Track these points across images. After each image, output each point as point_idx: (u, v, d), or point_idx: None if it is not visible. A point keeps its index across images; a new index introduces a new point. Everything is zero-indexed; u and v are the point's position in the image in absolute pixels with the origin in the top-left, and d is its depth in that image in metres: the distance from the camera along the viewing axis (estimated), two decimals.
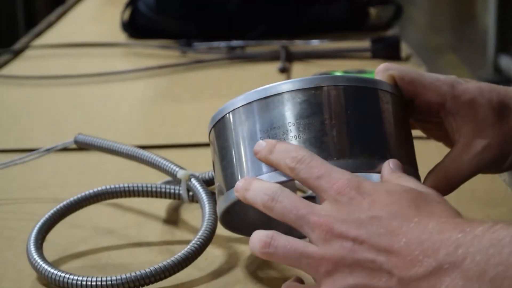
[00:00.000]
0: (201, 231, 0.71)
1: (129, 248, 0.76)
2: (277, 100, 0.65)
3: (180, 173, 0.78)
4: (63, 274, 0.67)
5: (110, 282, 0.66)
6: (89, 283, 0.67)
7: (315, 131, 0.63)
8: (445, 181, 0.68)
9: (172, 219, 0.82)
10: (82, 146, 0.87)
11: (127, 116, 1.18)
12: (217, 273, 0.71)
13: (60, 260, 0.73)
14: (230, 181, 0.66)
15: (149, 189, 0.79)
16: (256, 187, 0.62)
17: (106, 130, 1.09)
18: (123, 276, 0.67)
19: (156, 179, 0.84)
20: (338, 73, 1.19)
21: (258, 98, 0.65)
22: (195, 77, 1.34)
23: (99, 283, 0.67)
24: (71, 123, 1.14)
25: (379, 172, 0.63)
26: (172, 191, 0.79)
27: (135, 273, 0.67)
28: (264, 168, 0.64)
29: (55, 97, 1.27)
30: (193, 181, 0.78)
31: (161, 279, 0.68)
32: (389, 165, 0.62)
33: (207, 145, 1.02)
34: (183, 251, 0.69)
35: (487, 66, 3.71)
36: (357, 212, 0.58)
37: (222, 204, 0.67)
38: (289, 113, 0.64)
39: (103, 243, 0.77)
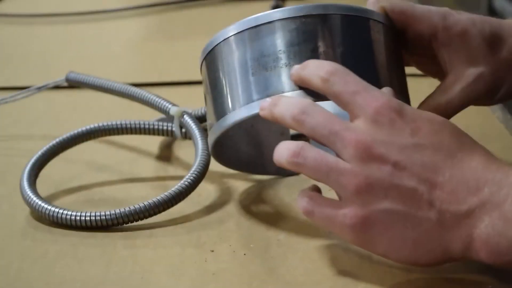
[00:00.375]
0: (194, 167, 0.71)
1: (122, 184, 0.76)
2: (267, 29, 0.64)
3: (173, 110, 0.78)
4: (56, 209, 0.67)
5: (104, 217, 0.67)
6: (83, 218, 0.67)
7: (305, 58, 0.63)
8: (436, 112, 0.66)
9: (165, 155, 0.82)
10: (73, 84, 0.86)
11: (119, 54, 1.17)
12: (211, 208, 0.71)
13: (53, 196, 0.73)
14: (220, 110, 0.65)
15: (142, 126, 0.78)
16: (286, 102, 0.59)
17: (97, 69, 1.07)
18: (117, 210, 0.67)
19: (148, 117, 0.84)
20: None
21: (249, 27, 0.65)
22: (187, 16, 1.33)
23: (93, 218, 0.67)
24: (63, 61, 1.13)
25: None
26: (165, 128, 0.78)
27: (129, 207, 0.67)
28: (255, 95, 0.63)
29: (46, 35, 1.25)
30: (186, 117, 0.77)
31: (154, 213, 0.68)
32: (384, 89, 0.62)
33: (200, 82, 1.03)
34: (176, 186, 0.69)
35: (482, 7, 3.69)
36: (399, 136, 0.56)
37: (213, 134, 0.67)
38: (279, 40, 0.63)
39: (96, 178, 0.77)
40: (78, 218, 0.67)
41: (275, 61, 0.63)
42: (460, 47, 0.67)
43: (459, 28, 0.67)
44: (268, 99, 0.61)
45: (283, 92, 0.62)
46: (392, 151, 0.56)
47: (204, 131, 0.75)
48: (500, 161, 0.56)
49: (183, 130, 0.78)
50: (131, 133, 0.78)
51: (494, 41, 0.68)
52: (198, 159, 0.72)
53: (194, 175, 0.71)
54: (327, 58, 0.63)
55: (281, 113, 0.59)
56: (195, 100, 0.86)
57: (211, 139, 0.68)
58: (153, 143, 0.83)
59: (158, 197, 0.68)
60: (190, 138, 0.77)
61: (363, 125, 0.57)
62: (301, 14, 0.64)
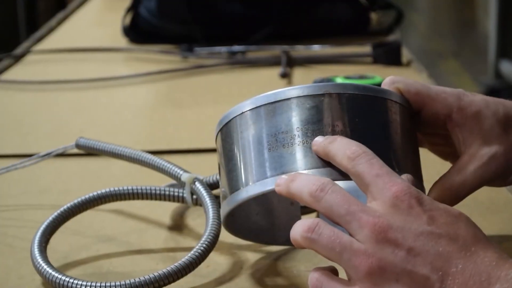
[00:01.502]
0: (204, 237, 0.71)
1: (130, 255, 0.75)
2: (285, 105, 0.64)
3: (184, 176, 0.78)
4: (67, 279, 0.67)
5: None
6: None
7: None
8: (450, 192, 0.68)
9: (176, 224, 0.82)
10: (83, 149, 0.87)
11: (129, 121, 1.17)
12: (220, 281, 0.70)
13: (61, 268, 0.72)
14: (234, 184, 0.66)
15: (153, 191, 0.78)
16: (304, 178, 0.60)
17: (107, 135, 1.07)
18: (126, 282, 0.66)
19: (159, 183, 0.84)
20: (339, 79, 1.18)
21: (266, 103, 0.65)
22: (196, 82, 1.34)
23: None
24: (73, 128, 1.13)
25: None
26: (176, 194, 0.78)
27: (138, 279, 0.66)
28: (269, 171, 0.63)
29: (56, 102, 1.26)
30: (197, 184, 0.77)
31: (162, 285, 0.67)
32: (405, 176, 0.62)
33: (209, 150, 1.04)
34: (184, 258, 0.69)
35: (488, 71, 3.71)
36: (415, 223, 0.57)
37: (226, 207, 0.67)
38: (296, 118, 0.64)
39: (104, 250, 0.76)
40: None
41: (292, 138, 0.63)
42: (474, 127, 0.68)
43: (473, 109, 0.68)
44: (284, 176, 0.62)
45: (297, 170, 0.63)
46: (407, 237, 0.56)
47: (216, 199, 0.75)
48: None
49: (194, 196, 0.78)
50: (142, 198, 0.78)
51: (507, 122, 0.69)
52: (208, 229, 0.72)
53: (203, 246, 0.70)
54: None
55: (299, 189, 0.60)
56: (203, 168, 0.86)
57: (224, 211, 0.68)
58: (163, 211, 0.83)
59: (166, 269, 0.67)
60: (201, 205, 0.77)
61: (381, 208, 0.58)
62: (320, 92, 0.65)
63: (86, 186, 0.93)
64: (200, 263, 0.69)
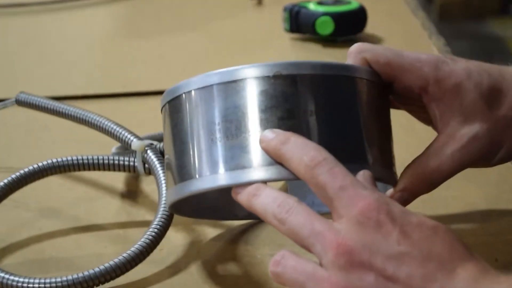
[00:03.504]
0: (156, 220, 0.63)
1: (76, 235, 0.68)
2: (234, 88, 0.56)
3: (135, 144, 0.70)
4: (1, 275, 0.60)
5: (54, 285, 0.59)
6: (31, 285, 0.59)
7: (273, 127, 0.55)
8: (423, 179, 0.59)
9: (129, 191, 0.74)
10: (24, 106, 0.78)
11: (82, 57, 1.07)
12: (173, 269, 0.63)
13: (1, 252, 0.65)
14: (185, 171, 0.57)
15: (101, 161, 0.70)
16: (267, 195, 0.53)
17: (56, 76, 0.99)
18: (69, 277, 0.59)
19: (110, 145, 0.76)
20: (312, 4, 1.08)
21: (216, 83, 0.57)
22: (159, 5, 1.23)
23: (42, 285, 0.59)
24: (19, 66, 1.04)
25: None
26: (126, 163, 0.70)
27: (82, 274, 0.59)
28: (221, 164, 0.55)
29: (3, 29, 1.16)
30: (150, 153, 0.69)
31: (110, 279, 0.60)
32: (362, 178, 0.54)
33: None
34: (134, 246, 0.61)
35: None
36: (385, 243, 0.49)
37: (173, 195, 0.59)
38: (246, 104, 0.55)
39: (48, 227, 0.69)
40: (25, 285, 0.59)
41: (243, 127, 0.55)
42: (453, 102, 0.59)
43: (452, 81, 0.59)
44: (248, 189, 0.54)
45: (250, 166, 0.55)
46: (376, 259, 0.49)
47: None
48: (494, 272, 0.49)
49: (147, 165, 0.70)
50: (89, 169, 0.70)
51: (492, 95, 0.59)
52: (161, 209, 0.64)
53: (155, 231, 0.63)
54: (298, 129, 0.54)
55: (262, 207, 0.53)
56: None
57: (170, 199, 0.60)
58: (116, 176, 0.75)
59: (115, 260, 0.60)
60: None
61: (346, 226, 0.50)
62: (268, 74, 0.55)
63: (31, 143, 0.85)
64: (152, 250, 0.62)
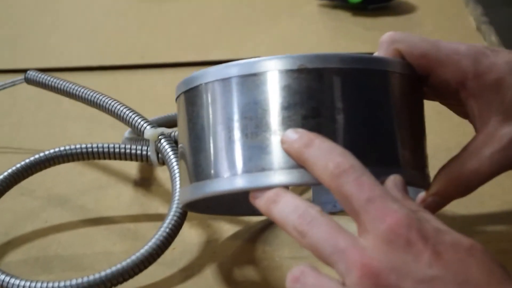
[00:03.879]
0: (168, 217, 0.59)
1: (84, 229, 0.64)
2: (252, 82, 0.51)
3: (148, 133, 0.65)
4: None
5: None
6: None
7: (295, 127, 0.50)
8: (459, 183, 0.54)
9: (143, 179, 0.70)
10: (33, 85, 0.74)
11: (98, 24, 1.01)
12: (186, 272, 0.59)
13: (2, 248, 0.61)
14: (201, 170, 0.53)
15: (112, 150, 0.66)
16: (287, 203, 0.48)
17: (71, 46, 0.94)
18: (73, 282, 0.55)
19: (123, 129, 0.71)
20: None
21: (230, 76, 0.52)
22: None
23: None
24: (33, 34, 0.99)
25: None
26: (139, 152, 0.66)
27: (87, 278, 0.55)
28: (239, 165, 0.51)
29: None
30: (163, 142, 0.65)
31: (117, 283, 0.56)
32: (392, 183, 0.49)
33: (194, 64, 0.90)
34: (145, 247, 0.57)
35: None
36: (416, 264, 0.44)
37: (188, 194, 0.54)
38: (265, 101, 0.50)
39: (54, 219, 0.65)
40: None
41: (263, 125, 0.50)
42: (493, 99, 0.54)
43: (493, 75, 0.54)
44: (267, 194, 0.49)
45: (271, 169, 0.50)
46: (405, 282, 0.43)
47: None
48: None
49: (161, 155, 0.65)
50: (99, 158, 0.65)
51: None
52: (174, 207, 0.60)
53: (167, 230, 0.58)
54: (323, 128, 0.49)
55: (282, 217, 0.48)
56: None
57: (183, 198, 0.55)
58: (130, 163, 0.70)
59: (122, 263, 0.56)
60: None
61: (373, 243, 0.45)
62: (292, 67, 0.50)
63: (41, 120, 0.80)
64: (162, 252, 0.58)
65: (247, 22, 0.99)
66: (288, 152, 0.49)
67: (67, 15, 1.04)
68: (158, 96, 0.83)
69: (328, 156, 0.47)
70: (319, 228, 0.46)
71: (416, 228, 0.45)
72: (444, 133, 0.75)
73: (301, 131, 0.49)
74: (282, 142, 0.50)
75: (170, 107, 0.76)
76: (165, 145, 0.64)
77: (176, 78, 0.85)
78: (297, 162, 0.49)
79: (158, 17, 1.01)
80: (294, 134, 0.49)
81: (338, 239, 0.45)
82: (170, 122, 0.75)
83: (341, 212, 0.63)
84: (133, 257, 0.57)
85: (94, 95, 0.70)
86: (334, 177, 0.47)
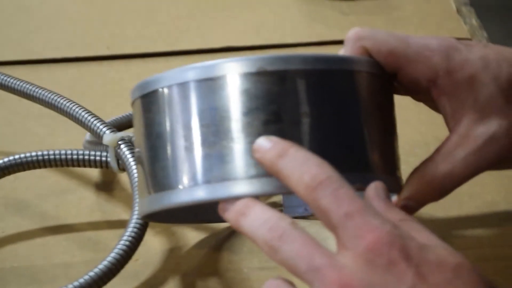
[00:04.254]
0: (129, 228, 0.56)
1: (42, 238, 0.61)
2: (209, 87, 0.48)
3: (107, 138, 0.62)
4: None
5: None
6: None
7: (256, 134, 0.47)
8: (433, 185, 0.52)
9: (105, 184, 0.67)
10: None
11: (63, 12, 0.96)
12: (148, 285, 0.56)
13: None
14: (156, 182, 0.50)
15: (69, 157, 0.62)
16: (257, 216, 0.45)
17: (35, 34, 0.90)
18: None
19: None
20: None
21: (187, 80, 0.49)
22: None
23: None
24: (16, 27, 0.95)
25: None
26: (98, 158, 0.62)
27: None
28: (200, 175, 0.48)
29: None
30: (123, 148, 0.61)
31: None
32: (374, 192, 0.46)
33: (162, 55, 0.86)
34: (105, 260, 0.54)
35: None
36: (397, 286, 0.41)
37: (147, 206, 0.51)
38: (223, 106, 0.48)
39: (12, 227, 0.61)
40: None
41: (217, 134, 0.47)
42: (467, 97, 0.51)
43: (466, 72, 0.51)
44: (236, 206, 0.46)
45: (232, 179, 0.47)
46: None
47: None
48: None
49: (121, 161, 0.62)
50: (56, 165, 0.62)
51: None
52: (134, 217, 0.56)
53: (127, 243, 0.55)
54: (286, 135, 0.46)
55: (252, 231, 0.45)
56: None
57: (142, 210, 0.52)
58: None
59: (79, 281, 0.53)
60: None
61: (351, 261, 0.42)
62: (251, 70, 0.47)
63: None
64: (125, 264, 0.55)
65: (218, 7, 0.95)
66: (260, 162, 0.46)
67: (28, 4, 1.00)
68: (124, 90, 0.79)
69: (304, 167, 0.44)
70: (292, 243, 0.43)
71: (398, 246, 0.42)
72: (422, 126, 0.72)
73: (275, 139, 0.46)
74: (254, 151, 0.47)
75: None
76: (125, 151, 0.61)
77: (143, 71, 0.83)
78: (270, 172, 0.46)
79: (125, 4, 0.97)
80: (267, 143, 0.46)
81: (314, 256, 0.42)
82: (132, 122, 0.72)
83: (313, 216, 0.61)
84: (93, 272, 0.54)
85: (52, 96, 0.67)
86: (310, 190, 0.43)
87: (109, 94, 0.79)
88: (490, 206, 0.63)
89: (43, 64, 0.84)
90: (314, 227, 0.59)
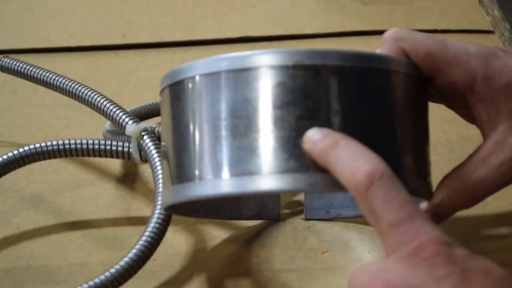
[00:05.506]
0: (150, 226, 0.54)
1: (58, 234, 0.59)
2: (242, 78, 0.47)
3: (129, 129, 0.61)
4: None
5: None
6: None
7: (288, 129, 0.46)
8: (465, 192, 0.50)
9: (126, 175, 0.65)
10: (9, 73, 0.69)
11: (77, 1, 0.95)
12: (166, 287, 0.54)
13: None
14: (182, 173, 0.49)
15: (91, 146, 0.61)
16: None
17: (49, 22, 0.89)
18: None
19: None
20: None
21: (219, 70, 0.48)
22: None
23: None
24: (7, 11, 0.93)
25: None
26: (120, 149, 0.61)
27: None
28: (225, 168, 0.47)
29: None
30: (146, 139, 0.60)
31: None
32: None
33: (178, 44, 0.85)
34: (123, 259, 0.53)
35: None
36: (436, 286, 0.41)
37: (170, 197, 0.50)
38: (256, 98, 0.46)
39: (27, 223, 0.60)
40: None
41: (248, 126, 0.46)
42: (504, 104, 0.50)
43: (504, 78, 0.50)
44: (320, 133, 0.45)
45: (260, 173, 0.46)
46: None
47: None
48: None
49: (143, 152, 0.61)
50: (77, 155, 0.61)
51: None
52: (157, 212, 0.55)
53: (148, 239, 0.54)
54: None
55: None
56: None
57: (165, 201, 0.51)
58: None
59: (95, 281, 0.52)
60: None
61: (395, 266, 0.42)
62: (287, 63, 0.46)
63: (13, 108, 0.75)
64: (143, 264, 0.53)
65: None
66: (310, 153, 0.45)
67: None
68: (140, 81, 0.78)
69: (356, 162, 0.43)
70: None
71: (445, 252, 0.41)
72: (445, 124, 0.71)
73: (326, 130, 0.45)
74: (304, 141, 0.46)
75: (153, 93, 0.72)
76: (148, 142, 0.60)
77: (159, 61, 0.82)
78: (319, 164, 0.45)
79: None
80: (318, 133, 0.45)
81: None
82: (153, 112, 0.71)
83: (335, 219, 0.59)
84: (110, 272, 0.53)
85: (73, 85, 0.65)
86: (362, 187, 0.43)
87: (125, 84, 0.78)
88: None
89: (58, 53, 0.83)
90: (335, 229, 0.59)
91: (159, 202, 0.55)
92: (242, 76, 0.47)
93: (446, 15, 0.89)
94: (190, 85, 0.49)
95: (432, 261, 0.41)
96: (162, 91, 0.52)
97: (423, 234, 0.41)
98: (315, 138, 0.45)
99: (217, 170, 0.47)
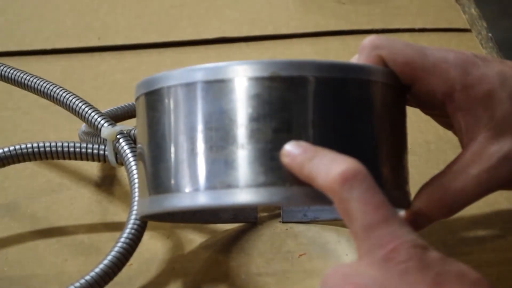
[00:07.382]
0: (125, 232, 0.54)
1: (33, 242, 0.59)
2: (218, 89, 0.47)
3: (105, 132, 0.60)
4: None
5: None
6: None
7: (265, 142, 0.46)
8: (443, 202, 0.50)
9: (103, 179, 0.65)
10: None
11: (52, 2, 0.94)
12: None
13: None
14: (158, 183, 0.49)
15: (66, 149, 0.61)
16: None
17: (24, 24, 0.88)
18: None
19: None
20: None
21: (200, 80, 0.47)
22: None
23: None
24: (4, 17, 0.92)
25: None
26: (96, 151, 0.61)
27: None
28: (202, 180, 0.46)
29: None
30: (122, 142, 0.60)
31: None
32: None
33: (154, 46, 0.84)
34: (98, 266, 0.52)
35: None
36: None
37: (144, 207, 0.50)
38: (232, 110, 0.46)
39: (2, 229, 0.60)
40: None
41: (225, 138, 0.46)
42: (482, 114, 0.49)
43: (483, 88, 0.49)
44: (298, 147, 0.45)
45: (237, 186, 0.46)
46: None
47: None
48: None
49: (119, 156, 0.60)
50: (52, 158, 0.60)
51: None
52: (132, 218, 0.55)
53: (124, 245, 0.53)
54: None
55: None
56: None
57: (141, 211, 0.51)
58: None
59: (71, 287, 0.51)
60: None
61: (368, 270, 0.42)
62: (264, 74, 0.46)
63: None
64: (119, 270, 0.53)
65: None
66: (289, 167, 0.45)
67: None
68: (116, 83, 0.78)
69: (332, 164, 0.43)
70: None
71: (418, 256, 0.41)
72: (422, 124, 0.70)
73: (304, 144, 0.45)
74: (283, 155, 0.46)
75: (129, 96, 0.71)
76: (123, 145, 0.60)
77: (135, 63, 0.81)
78: (299, 177, 0.45)
79: None
80: (297, 148, 0.45)
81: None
82: (129, 113, 0.70)
83: (312, 222, 0.59)
84: (85, 279, 0.52)
85: (48, 86, 0.65)
86: (336, 187, 0.43)
87: (101, 87, 0.77)
88: (492, 206, 0.61)
89: (33, 55, 0.82)
90: (313, 231, 0.58)
91: (135, 207, 0.55)
92: (218, 87, 0.47)
93: (423, 14, 0.89)
94: (166, 95, 0.49)
95: (405, 265, 0.41)
96: (137, 98, 0.51)
97: (397, 238, 0.41)
98: (294, 152, 0.45)
99: (193, 182, 0.47)
